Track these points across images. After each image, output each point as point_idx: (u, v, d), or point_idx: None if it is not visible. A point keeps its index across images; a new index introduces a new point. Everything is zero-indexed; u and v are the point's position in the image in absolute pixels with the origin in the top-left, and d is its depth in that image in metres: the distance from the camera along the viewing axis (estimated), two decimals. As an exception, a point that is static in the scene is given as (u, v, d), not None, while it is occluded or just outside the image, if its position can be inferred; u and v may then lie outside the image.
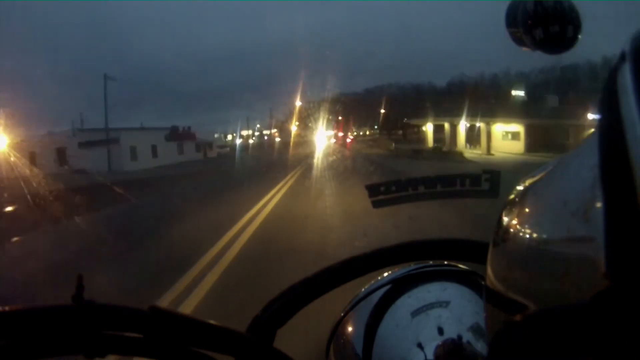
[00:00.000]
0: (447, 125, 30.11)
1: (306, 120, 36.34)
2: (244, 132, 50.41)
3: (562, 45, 0.51)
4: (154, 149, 29.38)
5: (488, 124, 26.39)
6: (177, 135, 33.35)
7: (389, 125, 43.33)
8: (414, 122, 35.78)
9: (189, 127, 36.30)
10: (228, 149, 44.09)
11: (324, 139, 33.78)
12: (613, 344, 0.18)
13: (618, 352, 0.18)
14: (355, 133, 46.46)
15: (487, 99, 31.05)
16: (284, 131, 47.29)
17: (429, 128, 32.34)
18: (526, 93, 31.93)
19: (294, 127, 39.72)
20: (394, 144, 34.09)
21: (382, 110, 42.38)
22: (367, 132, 47.99)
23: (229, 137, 50.28)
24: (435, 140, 31.52)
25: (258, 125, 52.60)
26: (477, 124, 27.29)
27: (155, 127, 34.50)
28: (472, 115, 26.59)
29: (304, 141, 36.07)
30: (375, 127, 45.28)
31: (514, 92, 32.06)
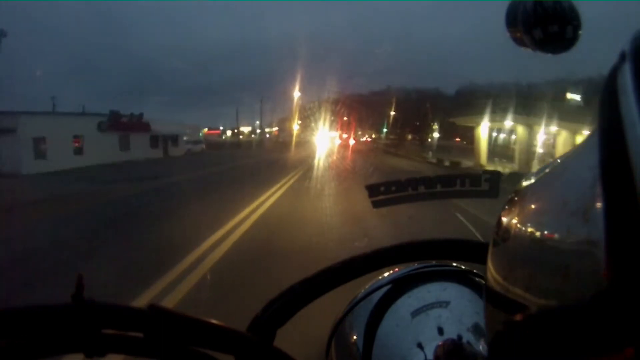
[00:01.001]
0: (521, 130, 19.26)
1: (309, 121, 33.45)
2: (245, 129, 49.51)
3: (562, 45, 0.51)
4: (77, 143, 21.10)
5: (579, 133, 16.93)
6: (118, 124, 23.80)
7: (401, 128, 40.31)
8: (460, 121, 25.63)
9: (141, 114, 25.83)
10: (203, 145, 33.99)
11: (327, 140, 30.07)
12: (613, 344, 0.18)
13: (618, 352, 0.18)
14: (362, 135, 43.78)
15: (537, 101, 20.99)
16: (285, 131, 45.63)
17: (482, 133, 21.40)
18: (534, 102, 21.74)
19: (295, 126, 36.95)
20: (430, 153, 26.04)
21: (392, 112, 38.86)
22: (373, 136, 45.45)
23: (229, 133, 49.23)
24: (495, 150, 21.93)
25: (258, 122, 51.69)
26: (543, 132, 18.55)
27: (90, 113, 24.24)
28: (540, 117, 18.14)
29: (307, 142, 32.24)
30: (385, 129, 41.80)
31: (569, 96, 21.55)
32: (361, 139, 41.90)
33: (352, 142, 34.50)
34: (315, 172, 15.24)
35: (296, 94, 34.07)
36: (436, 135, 34.69)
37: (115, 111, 24.34)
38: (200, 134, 38.12)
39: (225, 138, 47.14)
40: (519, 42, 0.51)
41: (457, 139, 32.23)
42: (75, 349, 0.32)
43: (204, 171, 16.12)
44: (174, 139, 29.72)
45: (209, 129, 47.55)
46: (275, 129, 49.94)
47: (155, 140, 27.23)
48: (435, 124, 33.35)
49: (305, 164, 16.94)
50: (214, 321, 0.38)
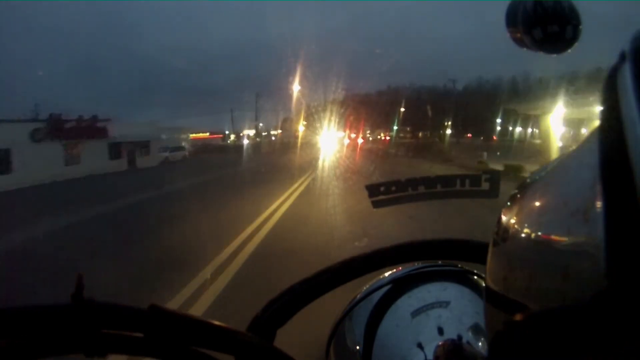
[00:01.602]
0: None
1: (313, 120, 31.64)
2: (250, 132, 48.86)
3: (562, 45, 0.51)
4: (4, 157, 16.28)
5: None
6: (60, 131, 19.07)
7: (414, 125, 38.21)
8: (525, 109, 19.43)
9: (94, 117, 20.90)
10: (186, 152, 28.78)
11: (334, 141, 28.02)
12: (613, 344, 0.18)
13: (618, 352, 0.18)
14: (371, 134, 41.72)
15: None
16: (287, 131, 43.95)
17: (552, 124, 15.56)
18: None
19: (301, 127, 35.44)
20: (485, 154, 18.83)
21: (402, 109, 36.78)
22: (383, 135, 43.17)
23: (232, 136, 48.57)
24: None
25: (261, 125, 50.83)
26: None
27: (24, 119, 19.33)
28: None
29: (311, 143, 29.89)
30: (395, 127, 39.39)
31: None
32: (370, 138, 40.81)
33: (360, 141, 33.97)
34: (317, 188, 10.30)
35: (300, 93, 32.92)
36: (448, 132, 33.31)
37: (56, 115, 19.20)
38: (193, 137, 34.74)
39: (231, 142, 46.23)
40: (519, 42, 0.51)
41: (469, 135, 31.49)
42: (75, 349, 0.32)
43: (159, 191, 11.10)
44: (145, 146, 23.91)
45: (211, 133, 46.91)
46: (279, 131, 49.02)
47: (116, 149, 21.77)
48: (449, 120, 32.16)
49: (307, 173, 13.28)
50: (214, 321, 0.38)
